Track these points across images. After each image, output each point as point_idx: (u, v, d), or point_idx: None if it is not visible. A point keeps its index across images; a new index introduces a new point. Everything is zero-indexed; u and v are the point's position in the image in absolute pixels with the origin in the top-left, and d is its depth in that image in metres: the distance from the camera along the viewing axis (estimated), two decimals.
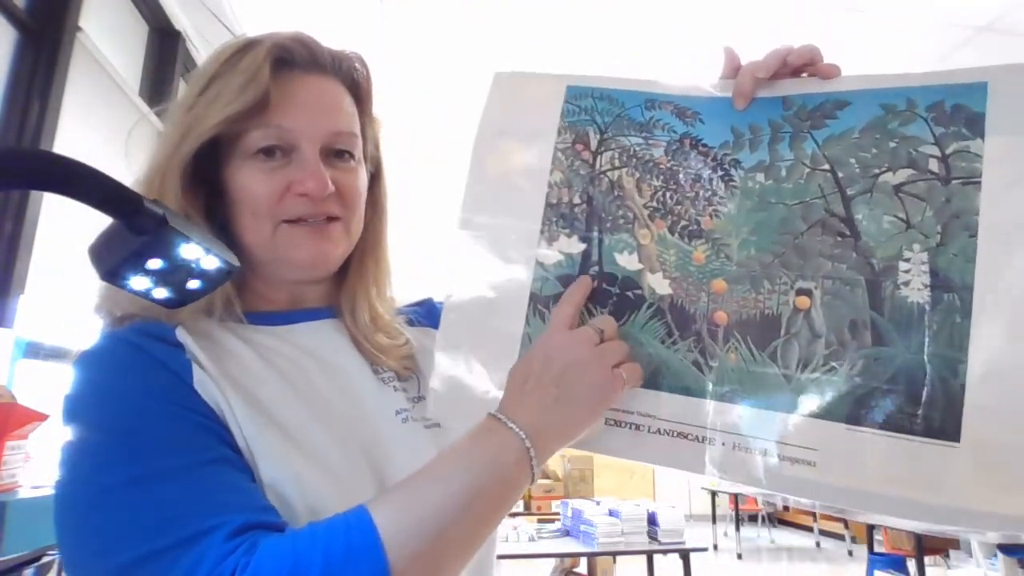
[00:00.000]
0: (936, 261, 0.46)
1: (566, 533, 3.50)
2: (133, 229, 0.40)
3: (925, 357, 0.45)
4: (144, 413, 0.47)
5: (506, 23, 2.44)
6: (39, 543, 1.42)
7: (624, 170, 0.57)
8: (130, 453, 0.45)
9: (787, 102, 0.55)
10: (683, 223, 0.54)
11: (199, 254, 0.43)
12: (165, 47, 2.84)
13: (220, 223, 0.57)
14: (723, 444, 0.48)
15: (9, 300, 1.78)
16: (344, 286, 0.63)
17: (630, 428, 0.51)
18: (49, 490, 1.61)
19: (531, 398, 0.48)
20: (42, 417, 1.48)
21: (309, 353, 0.57)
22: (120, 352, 0.51)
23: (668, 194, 0.56)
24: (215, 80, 0.54)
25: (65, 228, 2.03)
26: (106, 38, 2.34)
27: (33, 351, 1.96)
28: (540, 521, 3.85)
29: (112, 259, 0.41)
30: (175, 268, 0.42)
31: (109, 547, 0.42)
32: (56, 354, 2.18)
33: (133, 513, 0.42)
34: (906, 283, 0.47)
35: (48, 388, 2.17)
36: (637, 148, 0.57)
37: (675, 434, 0.50)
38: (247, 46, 0.55)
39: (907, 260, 0.47)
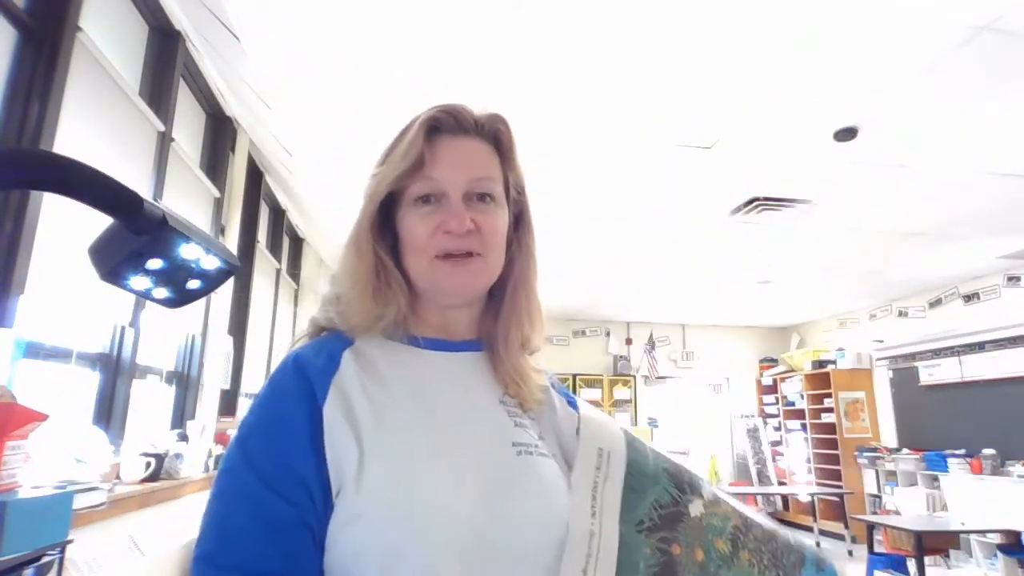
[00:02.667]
0: None
1: None
2: (133, 229, 0.40)
3: None
4: (254, 450, 0.59)
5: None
6: (39, 543, 1.42)
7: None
8: (222, 475, 0.59)
9: None
10: (732, 529, 0.66)
11: (199, 254, 0.43)
12: (165, 47, 2.84)
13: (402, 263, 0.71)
14: None
15: (9, 300, 1.78)
16: (499, 317, 0.73)
17: None
18: (49, 490, 1.61)
19: None
20: (42, 417, 1.48)
21: (451, 381, 0.68)
22: (279, 379, 0.63)
23: (749, 523, 0.68)
24: (389, 153, 0.70)
25: (65, 228, 2.03)
26: (106, 38, 2.34)
27: (33, 351, 1.96)
28: None
29: (112, 259, 0.41)
30: (175, 268, 0.43)
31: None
32: (56, 354, 2.18)
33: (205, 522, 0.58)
34: None
35: (48, 388, 2.17)
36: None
37: None
38: (410, 124, 0.69)
39: None
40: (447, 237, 0.66)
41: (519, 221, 0.76)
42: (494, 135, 0.72)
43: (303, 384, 0.60)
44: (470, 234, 0.66)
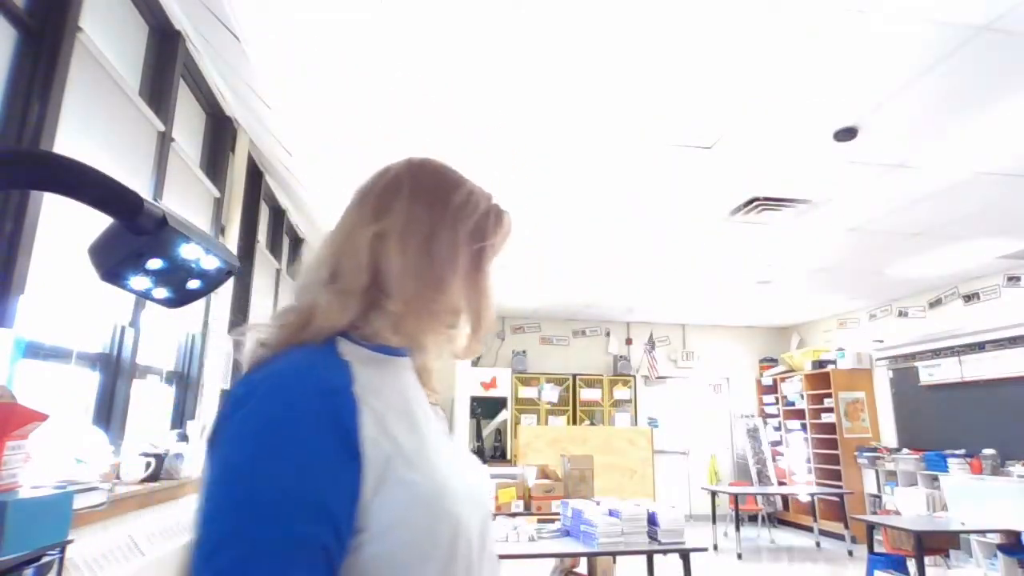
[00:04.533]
0: None
1: (566, 533, 3.50)
2: (133, 229, 0.40)
3: None
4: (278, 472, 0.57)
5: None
6: (39, 543, 1.42)
7: None
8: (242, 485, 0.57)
9: None
10: None
11: (199, 254, 0.43)
12: (165, 47, 2.84)
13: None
14: None
15: (9, 300, 1.78)
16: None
17: None
18: (49, 490, 1.61)
19: None
20: (42, 417, 1.48)
21: (411, 381, 0.77)
22: (296, 400, 0.60)
23: None
24: (491, 228, 0.81)
25: (65, 228, 2.03)
26: (106, 38, 2.34)
27: (33, 351, 1.96)
28: (540, 521, 3.85)
29: (112, 259, 0.41)
30: (175, 268, 0.42)
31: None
32: (56, 354, 2.18)
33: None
34: None
35: (48, 388, 2.17)
36: None
37: None
38: (499, 218, 0.81)
39: None
40: None
41: None
42: None
43: (326, 401, 0.60)
44: None
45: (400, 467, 0.61)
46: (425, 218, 0.73)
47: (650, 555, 3.43)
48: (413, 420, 0.68)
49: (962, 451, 5.98)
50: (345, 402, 0.60)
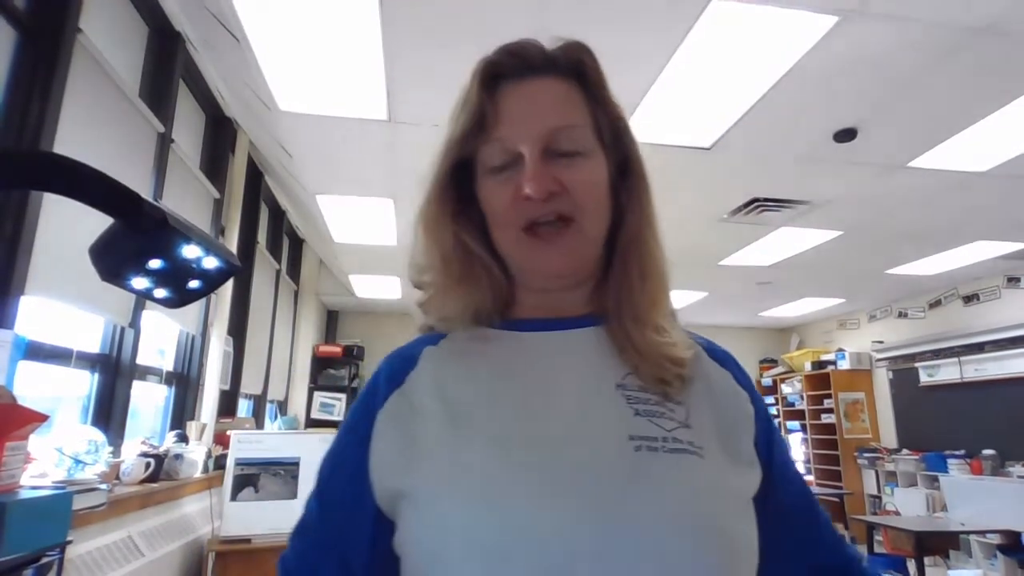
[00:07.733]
0: None
1: None
2: (133, 229, 0.40)
3: None
4: (329, 462, 0.58)
5: None
6: (39, 543, 1.42)
7: None
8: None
9: None
10: None
11: (199, 254, 0.44)
12: (165, 47, 2.84)
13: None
14: None
15: (9, 300, 1.78)
16: (606, 287, 0.58)
17: None
18: (49, 490, 1.61)
19: None
20: (42, 417, 1.48)
21: (550, 368, 0.55)
22: (366, 387, 0.59)
23: None
24: (452, 114, 0.58)
25: (65, 228, 2.03)
26: (106, 39, 2.34)
27: (33, 351, 1.96)
28: None
29: (113, 259, 0.41)
30: (175, 268, 0.43)
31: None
32: (56, 354, 2.18)
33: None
34: None
35: (48, 388, 2.17)
36: None
37: None
38: (471, 75, 0.57)
39: None
40: (528, 204, 0.53)
41: (625, 169, 0.60)
42: (575, 69, 0.57)
43: (375, 388, 0.56)
44: (555, 197, 0.53)
45: (410, 482, 0.59)
46: None
47: None
48: (466, 430, 0.61)
49: (962, 451, 5.98)
50: (382, 394, 0.63)
